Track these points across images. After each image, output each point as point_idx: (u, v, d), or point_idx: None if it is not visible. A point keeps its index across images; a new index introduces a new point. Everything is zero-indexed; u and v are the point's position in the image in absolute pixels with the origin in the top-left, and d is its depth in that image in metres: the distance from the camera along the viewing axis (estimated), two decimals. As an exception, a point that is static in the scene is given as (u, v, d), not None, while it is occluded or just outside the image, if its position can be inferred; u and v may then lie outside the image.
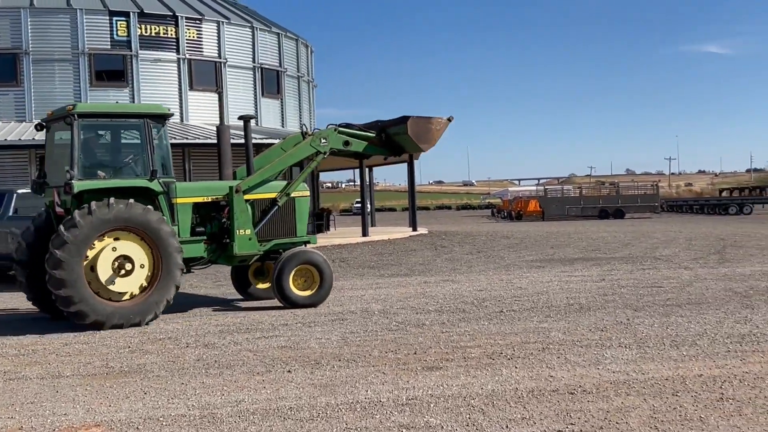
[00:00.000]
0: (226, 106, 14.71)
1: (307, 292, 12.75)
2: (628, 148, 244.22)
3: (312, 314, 12.00)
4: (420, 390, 7.17)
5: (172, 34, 29.13)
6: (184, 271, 11.96)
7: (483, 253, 23.18)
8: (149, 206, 11.41)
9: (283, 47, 31.99)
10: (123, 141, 12.60)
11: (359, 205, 40.66)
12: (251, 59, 31.04)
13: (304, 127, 14.23)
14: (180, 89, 29.16)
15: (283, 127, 31.72)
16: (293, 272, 12.61)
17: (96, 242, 11.08)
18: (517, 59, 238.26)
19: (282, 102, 31.70)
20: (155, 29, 28.94)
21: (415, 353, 8.82)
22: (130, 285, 11.27)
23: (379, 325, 10.83)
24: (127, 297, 11.28)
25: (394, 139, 13.99)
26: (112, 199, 11.08)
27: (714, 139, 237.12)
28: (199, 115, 29.27)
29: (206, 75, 29.67)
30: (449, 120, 13.93)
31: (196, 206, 12.62)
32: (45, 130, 12.37)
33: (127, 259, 11.23)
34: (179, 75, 29.25)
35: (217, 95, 13.10)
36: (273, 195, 13.07)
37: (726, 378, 7.30)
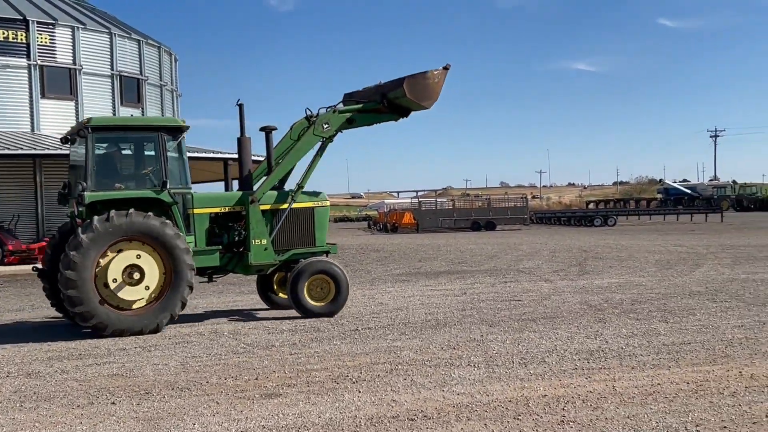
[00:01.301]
0: (244, 116, 13.94)
1: (323, 302, 12.78)
2: (502, 161, 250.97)
3: (155, 336, 11.28)
4: (252, 421, 6.67)
5: (22, 39, 27.56)
6: (193, 288, 11.94)
7: (350, 267, 22.83)
8: (166, 220, 11.61)
9: (143, 54, 30.70)
10: (138, 153, 12.76)
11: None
12: (109, 66, 29.69)
13: (308, 111, 13.52)
14: (31, 97, 27.59)
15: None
16: (308, 282, 12.66)
17: (110, 249, 11.30)
18: (395, 72, 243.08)
19: (143, 111, 30.31)
20: (4, 33, 27.31)
21: (256, 379, 8.31)
22: (137, 294, 11.42)
23: (226, 347, 10.25)
24: (133, 306, 11.42)
25: (397, 103, 13.53)
26: (131, 210, 11.34)
27: (583, 153, 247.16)
28: (52, 124, 27.71)
29: (60, 82, 28.17)
30: (445, 69, 13.36)
31: (213, 216, 12.78)
32: (70, 143, 12.48)
33: (137, 269, 11.41)
34: (30, 82, 27.69)
35: (238, 107, 12.96)
36: (287, 206, 13.07)
37: (570, 398, 7.13)
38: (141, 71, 30.54)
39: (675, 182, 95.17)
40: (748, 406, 6.73)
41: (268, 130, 13.28)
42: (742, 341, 9.59)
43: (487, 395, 7.33)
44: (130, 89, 29.93)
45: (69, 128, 12.25)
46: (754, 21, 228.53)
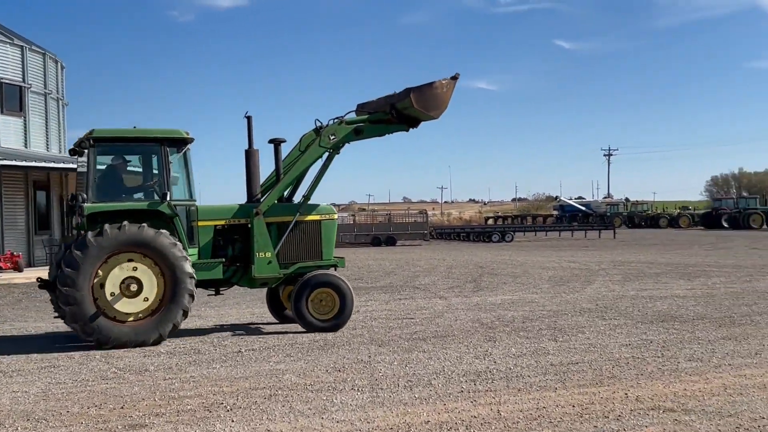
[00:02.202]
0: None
1: (327, 316, 12.55)
2: (405, 176, 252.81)
3: (19, 360, 10.45)
4: (110, 456, 6.09)
5: None
6: (194, 297, 11.77)
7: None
8: (162, 230, 11.49)
9: (27, 61, 29.08)
10: (141, 164, 12.64)
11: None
12: (-12, 73, 27.91)
13: (318, 122, 13.15)
14: None
15: (26, 147, 28.89)
16: (312, 295, 12.48)
17: (106, 263, 11.23)
18: (297, 86, 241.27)
19: (25, 120, 28.78)
20: None
21: (122, 407, 7.69)
22: (136, 306, 11.35)
23: (95, 372, 9.56)
24: (132, 318, 11.34)
25: (405, 113, 13.16)
26: (125, 222, 11.28)
27: (483, 169, 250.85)
28: None
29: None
30: (454, 78, 13.02)
31: (218, 229, 12.67)
32: (78, 155, 12.43)
33: (136, 280, 11.34)
34: None
35: (246, 119, 12.70)
36: (293, 218, 12.82)
37: (453, 424, 6.83)
38: (24, 78, 28.92)
39: (571, 199, 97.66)
40: (632, 430, 6.56)
41: (276, 143, 13.10)
42: (629, 361, 9.52)
43: (368, 422, 6.95)
44: (11, 97, 28.25)
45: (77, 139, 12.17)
46: (645, 45, 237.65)
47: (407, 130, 13.50)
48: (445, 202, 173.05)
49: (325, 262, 13.12)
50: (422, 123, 13.39)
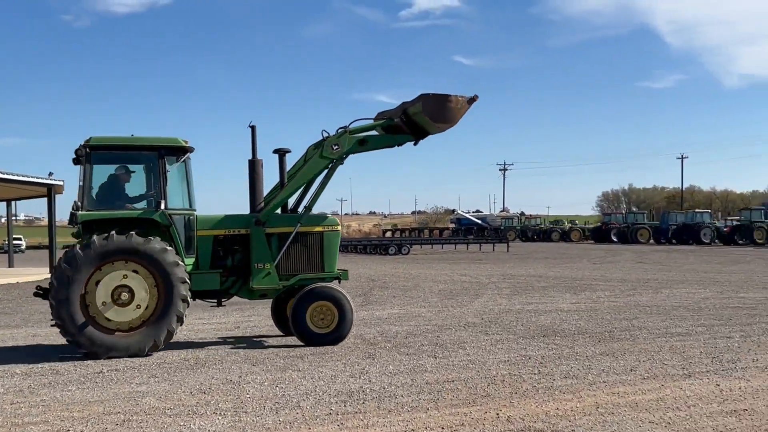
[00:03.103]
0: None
1: (327, 329, 12.21)
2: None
3: None
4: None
5: None
6: (189, 302, 11.57)
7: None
8: (153, 237, 11.32)
9: None
10: (138, 173, 12.39)
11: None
12: None
13: (325, 132, 12.80)
14: None
15: None
16: (310, 308, 12.15)
17: (96, 272, 11.09)
18: (191, 101, 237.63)
19: None
20: None
21: (-46, 437, 6.98)
22: (129, 315, 11.19)
23: (-66, 397, 8.72)
24: (126, 327, 11.18)
25: (414, 119, 12.79)
26: (113, 231, 11.16)
27: (384, 182, 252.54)
28: None
29: None
30: (472, 99, 12.69)
31: (217, 239, 12.45)
32: (80, 164, 12.00)
33: (127, 289, 11.19)
34: None
35: (250, 129, 12.59)
36: (293, 229, 12.53)
37: (314, 451, 6.42)
38: None
39: (467, 213, 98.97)
40: (499, 454, 6.30)
41: (281, 153, 12.86)
42: (505, 378, 9.33)
43: (224, 450, 6.48)
44: None
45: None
46: (542, 63, 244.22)
47: (414, 142, 13.16)
48: (346, 214, 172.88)
49: (327, 274, 12.79)
50: (429, 136, 13.10)
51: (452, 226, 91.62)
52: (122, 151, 12.26)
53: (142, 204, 12.08)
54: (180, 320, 11.44)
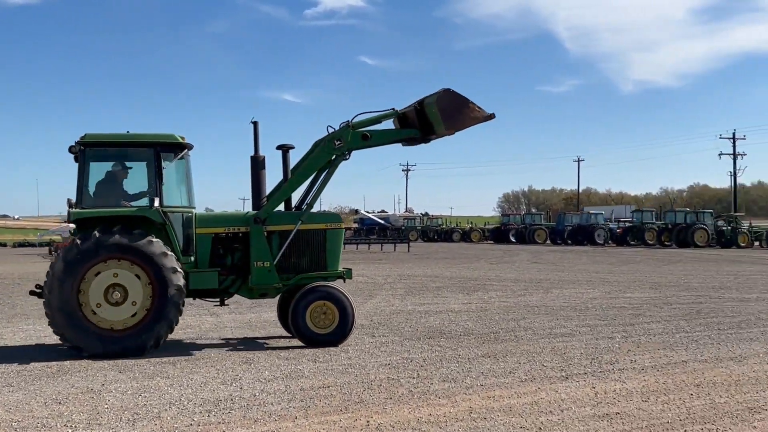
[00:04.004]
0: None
1: (327, 330, 11.84)
2: (211, 187, 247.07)
3: None
4: None
5: None
6: (184, 299, 11.36)
7: (-2, 300, 20.05)
8: (143, 233, 11.10)
9: None
10: (133, 169, 12.18)
11: None
12: None
13: (330, 128, 12.40)
14: None
15: None
16: (310, 308, 11.78)
17: (89, 271, 10.89)
18: (110, 88, 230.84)
19: None
20: None
21: None
22: (123, 314, 10.97)
23: None
24: (121, 326, 10.96)
25: (426, 111, 12.28)
26: (95, 231, 10.98)
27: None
28: None
29: None
30: (489, 117, 12.36)
31: (217, 237, 12.21)
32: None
33: (120, 288, 10.98)
34: None
35: (252, 124, 12.26)
36: (294, 227, 12.21)
37: (165, 466, 5.96)
38: None
39: (371, 213, 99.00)
40: (362, 465, 5.99)
41: (285, 149, 12.66)
42: (383, 383, 9.04)
43: (65, 468, 5.95)
44: None
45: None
46: (446, 65, 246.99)
47: (419, 139, 12.70)
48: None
49: (330, 273, 12.45)
50: (433, 138, 12.62)
51: (355, 226, 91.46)
52: (117, 148, 12.03)
53: (141, 202, 11.84)
54: (178, 311, 11.20)
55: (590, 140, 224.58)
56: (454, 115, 12.20)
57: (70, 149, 11.50)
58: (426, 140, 12.80)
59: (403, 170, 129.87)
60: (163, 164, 11.74)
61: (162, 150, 11.76)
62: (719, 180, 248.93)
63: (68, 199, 11.48)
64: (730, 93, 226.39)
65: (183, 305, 11.33)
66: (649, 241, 59.40)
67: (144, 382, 9.26)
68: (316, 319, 11.85)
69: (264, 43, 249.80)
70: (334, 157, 12.40)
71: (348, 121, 12.38)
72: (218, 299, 12.61)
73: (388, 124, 12.97)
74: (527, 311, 16.51)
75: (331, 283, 12.25)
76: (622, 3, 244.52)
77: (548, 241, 69.27)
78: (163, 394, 8.53)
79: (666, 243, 57.92)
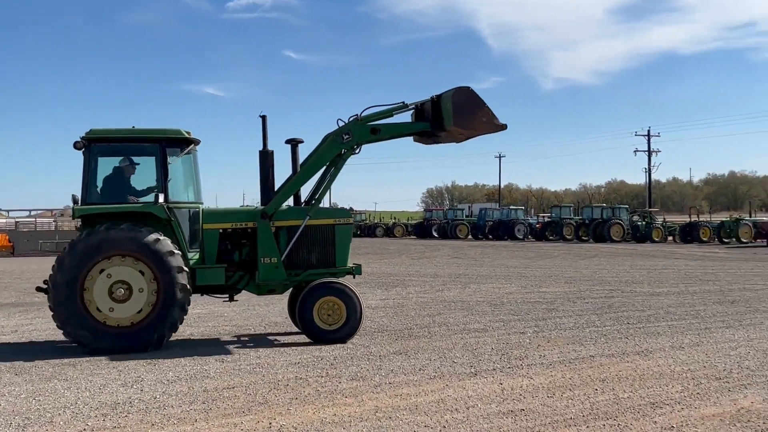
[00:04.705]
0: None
1: (334, 326, 11.70)
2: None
3: None
4: None
5: None
6: (190, 294, 11.21)
7: None
8: (148, 229, 11.01)
9: None
10: (139, 165, 12.06)
11: None
12: None
13: (340, 121, 12.22)
14: None
15: None
16: (317, 304, 11.65)
17: (93, 267, 10.81)
18: (17, 84, 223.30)
19: None
20: None
21: None
22: (128, 311, 10.89)
23: None
24: (127, 323, 10.89)
25: (440, 104, 12.04)
26: (99, 226, 10.94)
27: (211, 175, 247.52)
28: None
29: None
30: (501, 126, 12.12)
31: (224, 233, 12.08)
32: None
33: (124, 284, 10.89)
34: None
35: (261, 118, 12.02)
36: (302, 222, 12.07)
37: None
38: None
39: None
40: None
41: (294, 143, 12.49)
42: (290, 382, 8.86)
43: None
44: None
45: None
46: (371, 61, 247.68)
47: (431, 137, 12.48)
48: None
49: (338, 269, 12.32)
50: (443, 136, 12.38)
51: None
52: (123, 143, 11.90)
53: (149, 197, 11.70)
54: (183, 308, 11.08)
55: (512, 137, 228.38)
56: (466, 114, 11.94)
57: (75, 145, 11.36)
58: (437, 138, 12.62)
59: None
60: (169, 159, 11.64)
61: (168, 145, 11.65)
62: (636, 176, 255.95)
63: (73, 195, 11.39)
64: (646, 91, 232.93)
65: (188, 303, 11.19)
66: (567, 236, 60.45)
67: (40, 384, 8.87)
68: (323, 315, 11.71)
69: (185, 35, 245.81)
70: (343, 151, 12.25)
71: (357, 114, 12.20)
72: (227, 295, 12.47)
73: (403, 119, 12.80)
74: (443, 307, 16.53)
75: (338, 279, 12.12)
76: (544, 2, 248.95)
77: (470, 236, 69.89)
78: (58, 398, 8.18)
79: (583, 238, 59.03)
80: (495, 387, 8.51)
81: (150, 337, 10.93)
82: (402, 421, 7.11)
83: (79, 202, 11.40)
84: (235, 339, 12.31)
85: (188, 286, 11.13)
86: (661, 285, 21.32)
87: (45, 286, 11.38)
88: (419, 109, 12.63)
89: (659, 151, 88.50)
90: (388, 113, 12.34)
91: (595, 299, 17.77)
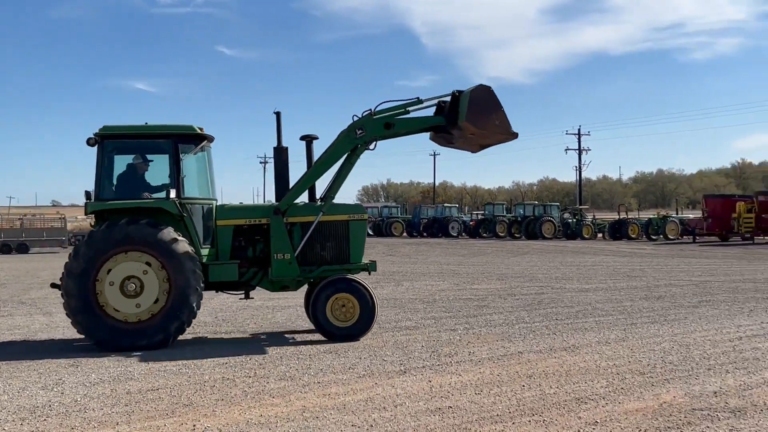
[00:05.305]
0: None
1: (347, 323, 11.63)
2: (56, 179, 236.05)
3: None
4: None
5: None
6: (202, 291, 11.22)
7: None
8: (160, 225, 11.01)
9: None
10: (151, 161, 12.11)
11: None
12: None
13: (355, 117, 12.03)
14: None
15: None
16: (330, 301, 11.58)
17: (105, 263, 10.82)
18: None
19: None
20: None
21: None
22: (140, 306, 10.89)
23: None
24: (137, 318, 10.89)
25: (458, 100, 11.80)
26: (107, 222, 10.99)
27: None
28: None
29: None
30: (512, 134, 11.91)
31: (238, 229, 12.05)
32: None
33: (136, 280, 10.88)
34: None
35: (275, 115, 11.98)
36: (315, 218, 12.02)
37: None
38: None
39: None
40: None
41: (309, 139, 12.38)
42: (217, 383, 8.70)
43: None
44: None
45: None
46: (306, 58, 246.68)
47: (445, 137, 12.26)
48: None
49: (353, 265, 12.19)
50: (456, 135, 12.12)
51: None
52: (135, 140, 11.87)
53: (162, 194, 11.65)
54: (196, 303, 11.05)
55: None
56: (480, 111, 11.64)
57: (88, 141, 11.34)
58: (451, 138, 12.38)
59: (260, 162, 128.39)
60: (182, 156, 11.62)
61: (180, 141, 11.63)
62: (567, 174, 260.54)
63: (86, 191, 11.44)
64: (577, 91, 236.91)
65: (201, 298, 11.17)
66: (500, 234, 61.15)
67: (-46, 389, 8.54)
68: (336, 312, 11.61)
69: (114, 29, 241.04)
70: (356, 146, 12.09)
71: (371, 109, 12.07)
72: (242, 292, 12.45)
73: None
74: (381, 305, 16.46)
75: (352, 276, 11.97)
76: (477, 1, 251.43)
77: (405, 234, 70.14)
78: (-27, 403, 7.88)
79: (516, 235, 59.77)
80: (424, 384, 8.50)
81: (162, 332, 10.91)
82: (329, 421, 7.05)
83: (92, 198, 11.43)
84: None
85: (201, 282, 11.11)
86: (590, 281, 21.70)
87: (59, 283, 11.29)
88: (441, 107, 12.38)
89: (590, 150, 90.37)
90: (403, 109, 12.17)
91: (525, 296, 17.98)
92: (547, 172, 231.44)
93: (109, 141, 11.55)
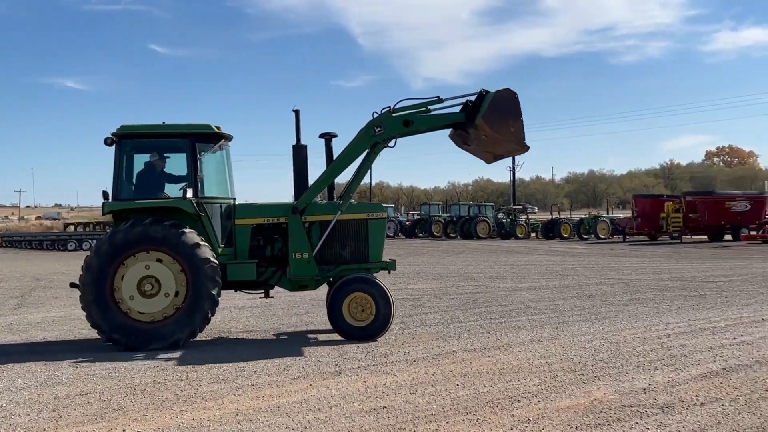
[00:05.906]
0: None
1: (364, 322, 11.48)
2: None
3: None
4: None
5: None
6: (220, 288, 11.11)
7: None
8: (177, 224, 10.96)
9: None
10: (169, 160, 12.04)
11: None
12: None
13: (375, 113, 11.89)
14: None
15: None
16: (347, 300, 11.45)
17: (122, 263, 10.78)
18: None
19: None
20: None
21: None
22: (157, 305, 10.85)
23: None
24: (155, 318, 10.85)
25: (482, 99, 11.69)
26: (124, 223, 10.99)
27: (71, 172, 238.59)
28: None
29: None
30: (523, 146, 11.82)
31: (257, 228, 11.97)
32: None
33: (153, 279, 10.83)
34: None
35: (294, 113, 11.80)
36: (334, 217, 11.94)
37: None
38: None
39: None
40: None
41: (328, 137, 12.31)
42: (148, 387, 8.53)
43: None
44: None
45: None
46: (240, 56, 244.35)
47: (463, 137, 12.13)
48: (27, 206, 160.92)
49: (372, 264, 12.07)
50: (471, 135, 11.94)
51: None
52: (153, 139, 11.77)
53: (179, 193, 11.63)
54: (214, 302, 10.98)
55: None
56: (499, 114, 11.53)
57: (106, 141, 11.28)
58: (467, 139, 12.21)
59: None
60: (200, 155, 11.59)
61: (198, 140, 11.60)
62: (501, 175, 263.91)
63: (103, 191, 11.35)
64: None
65: (216, 305, 11.10)
66: (436, 233, 61.58)
67: None
68: (353, 311, 11.48)
69: (44, 25, 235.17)
70: (375, 144, 11.94)
71: (390, 106, 11.91)
72: (262, 291, 12.37)
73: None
74: (311, 305, 16.43)
75: (369, 275, 11.80)
76: (412, 2, 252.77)
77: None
78: None
79: (451, 235, 60.25)
80: (359, 385, 8.49)
81: (180, 332, 10.86)
82: (263, 423, 6.98)
83: (110, 197, 11.37)
84: (91, 342, 11.79)
85: (218, 281, 11.02)
86: (523, 280, 21.98)
87: (78, 283, 11.11)
88: (467, 105, 12.12)
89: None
90: (424, 107, 12.06)
91: (460, 295, 18.11)
92: (481, 172, 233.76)
93: (126, 140, 11.50)
